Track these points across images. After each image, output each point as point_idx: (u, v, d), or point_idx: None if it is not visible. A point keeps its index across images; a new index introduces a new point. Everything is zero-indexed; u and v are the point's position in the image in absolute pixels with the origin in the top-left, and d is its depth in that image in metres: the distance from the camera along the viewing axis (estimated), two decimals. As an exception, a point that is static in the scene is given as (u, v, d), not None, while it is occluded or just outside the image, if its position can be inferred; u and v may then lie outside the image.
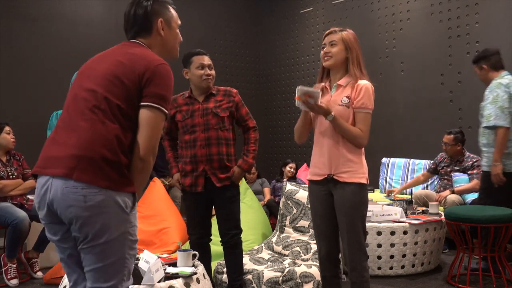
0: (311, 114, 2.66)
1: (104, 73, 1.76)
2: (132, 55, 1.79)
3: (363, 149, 2.62)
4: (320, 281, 2.85)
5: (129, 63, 1.76)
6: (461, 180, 4.66)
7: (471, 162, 4.68)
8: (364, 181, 2.57)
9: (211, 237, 3.26)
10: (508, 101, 3.55)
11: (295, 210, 4.18)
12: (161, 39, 1.91)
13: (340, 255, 2.80)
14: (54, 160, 1.67)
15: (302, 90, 2.45)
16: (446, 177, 4.84)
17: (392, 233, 3.81)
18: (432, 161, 5.08)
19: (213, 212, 3.26)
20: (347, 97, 2.55)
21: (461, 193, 4.58)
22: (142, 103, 1.73)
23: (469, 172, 4.66)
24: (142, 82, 1.73)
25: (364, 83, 2.55)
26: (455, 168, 4.79)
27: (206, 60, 3.12)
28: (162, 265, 2.54)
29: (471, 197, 4.48)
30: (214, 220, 3.28)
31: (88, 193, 1.61)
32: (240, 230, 3.18)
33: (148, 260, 2.52)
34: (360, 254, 2.57)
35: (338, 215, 2.60)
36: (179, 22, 1.99)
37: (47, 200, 1.66)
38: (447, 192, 4.60)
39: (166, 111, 1.77)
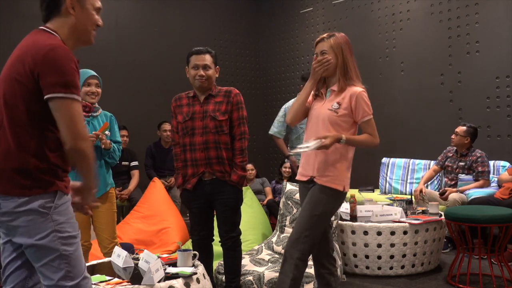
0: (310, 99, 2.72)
1: (4, 74, 1.70)
2: (24, 48, 1.68)
3: (350, 157, 2.66)
4: (320, 281, 2.85)
5: (19, 58, 1.66)
6: (467, 183, 4.72)
7: (475, 157, 4.71)
8: (340, 188, 2.61)
9: (213, 237, 3.25)
10: None
11: (295, 210, 4.18)
12: (71, 20, 1.75)
13: (334, 253, 2.84)
14: None
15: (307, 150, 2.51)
16: (452, 175, 4.86)
17: (392, 233, 3.81)
18: (439, 157, 5.04)
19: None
20: (338, 103, 2.60)
21: (466, 190, 4.64)
22: (45, 97, 1.62)
23: (475, 172, 4.70)
24: (35, 75, 1.62)
25: (356, 92, 2.58)
26: (460, 164, 4.80)
27: (203, 59, 3.04)
28: (162, 265, 2.53)
29: (475, 194, 4.49)
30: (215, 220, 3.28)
31: (1, 201, 1.66)
32: (239, 233, 3.15)
33: (148, 260, 2.52)
34: (296, 244, 2.57)
35: None
36: (98, 4, 1.82)
37: None
38: (454, 190, 4.64)
39: (73, 95, 1.63)
